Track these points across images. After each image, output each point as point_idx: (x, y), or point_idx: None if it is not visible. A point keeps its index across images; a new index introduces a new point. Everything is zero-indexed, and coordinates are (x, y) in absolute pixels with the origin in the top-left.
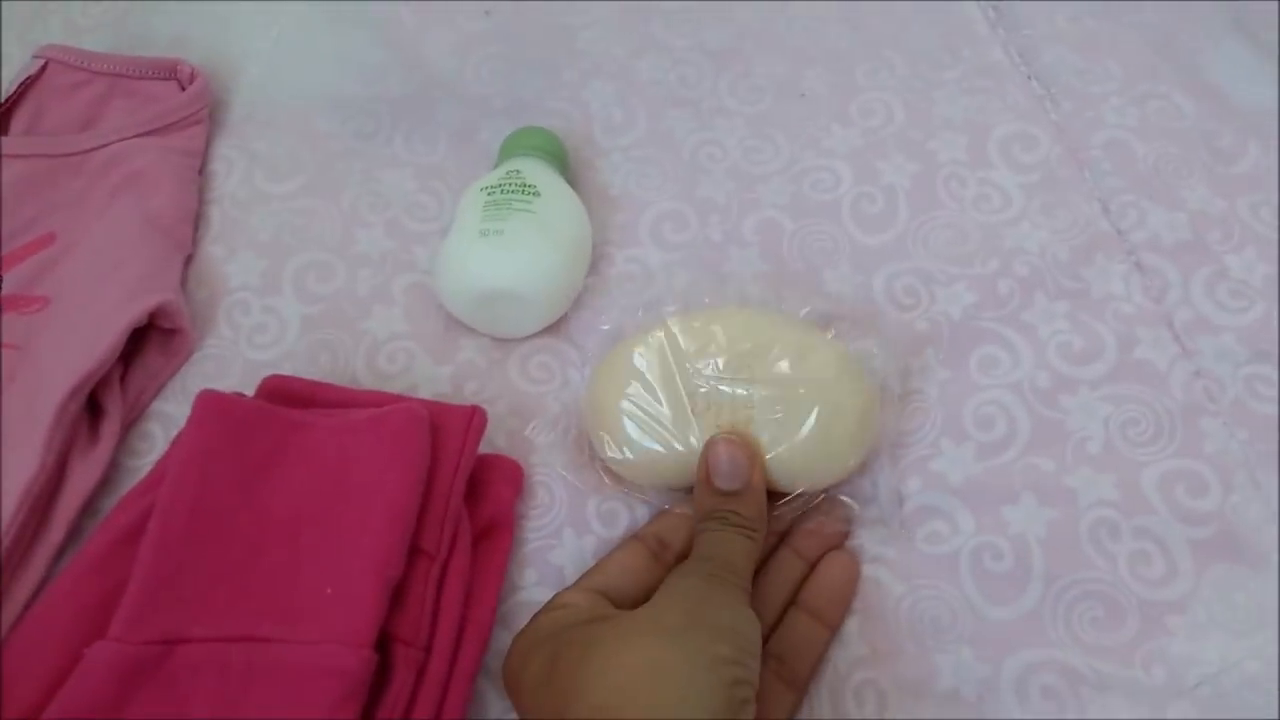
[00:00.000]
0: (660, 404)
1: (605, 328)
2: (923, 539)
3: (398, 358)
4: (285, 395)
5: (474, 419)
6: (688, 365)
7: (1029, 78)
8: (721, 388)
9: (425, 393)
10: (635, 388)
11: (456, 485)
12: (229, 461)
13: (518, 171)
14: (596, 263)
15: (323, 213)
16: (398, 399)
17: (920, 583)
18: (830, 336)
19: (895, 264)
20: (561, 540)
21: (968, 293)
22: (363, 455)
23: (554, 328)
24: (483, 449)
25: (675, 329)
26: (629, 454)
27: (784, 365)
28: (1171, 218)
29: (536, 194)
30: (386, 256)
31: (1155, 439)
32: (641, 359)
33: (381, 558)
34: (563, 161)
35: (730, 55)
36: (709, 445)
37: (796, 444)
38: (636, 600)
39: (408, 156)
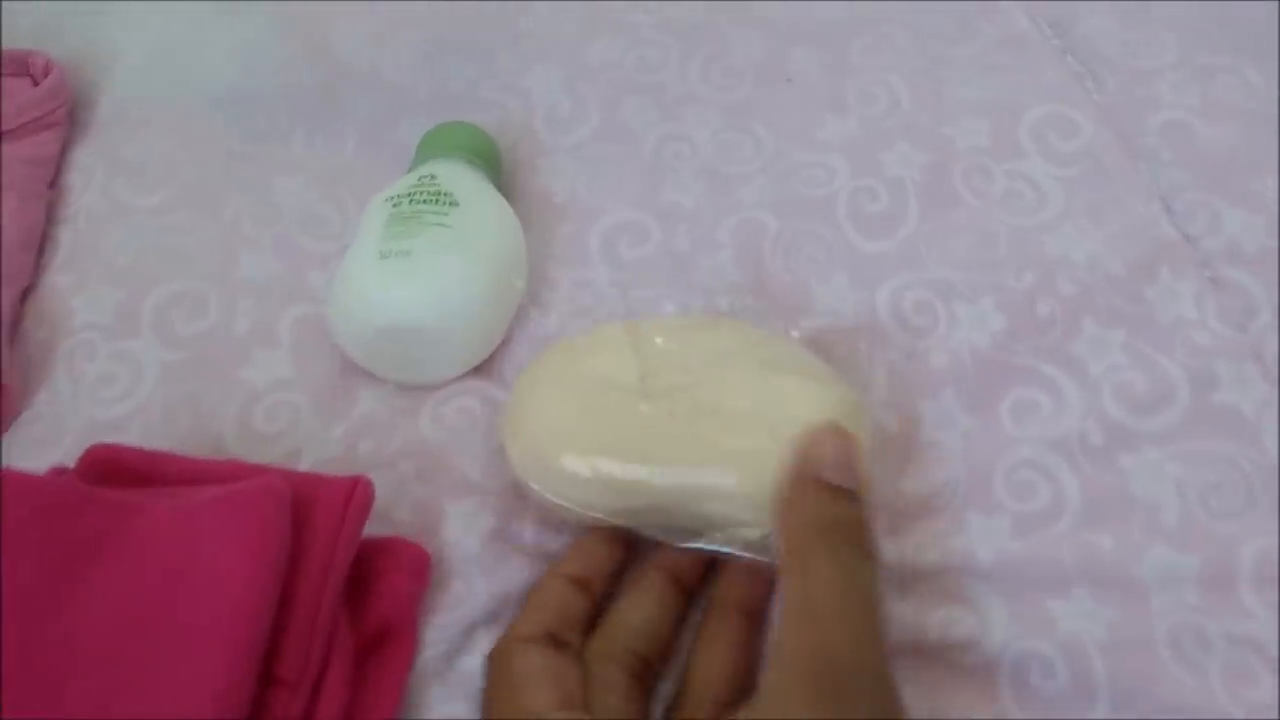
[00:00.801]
0: (604, 416)
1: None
2: (942, 639)
3: (279, 414)
4: (116, 469)
5: (355, 494)
6: (641, 373)
7: (1063, 52)
8: (676, 395)
9: (309, 458)
10: (573, 396)
11: (330, 585)
12: (31, 560)
13: (432, 177)
14: (536, 288)
15: (197, 230)
16: (257, 471)
17: (946, 712)
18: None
19: (904, 274)
20: (474, 642)
21: (997, 314)
22: (205, 548)
23: (480, 370)
24: (382, 528)
25: (625, 334)
26: (566, 480)
27: (757, 383)
28: (1252, 220)
29: (454, 204)
30: (274, 283)
31: (1248, 508)
32: (580, 363)
33: (218, 692)
34: (493, 164)
35: (701, 33)
36: (814, 434)
37: (761, 482)
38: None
39: (307, 159)
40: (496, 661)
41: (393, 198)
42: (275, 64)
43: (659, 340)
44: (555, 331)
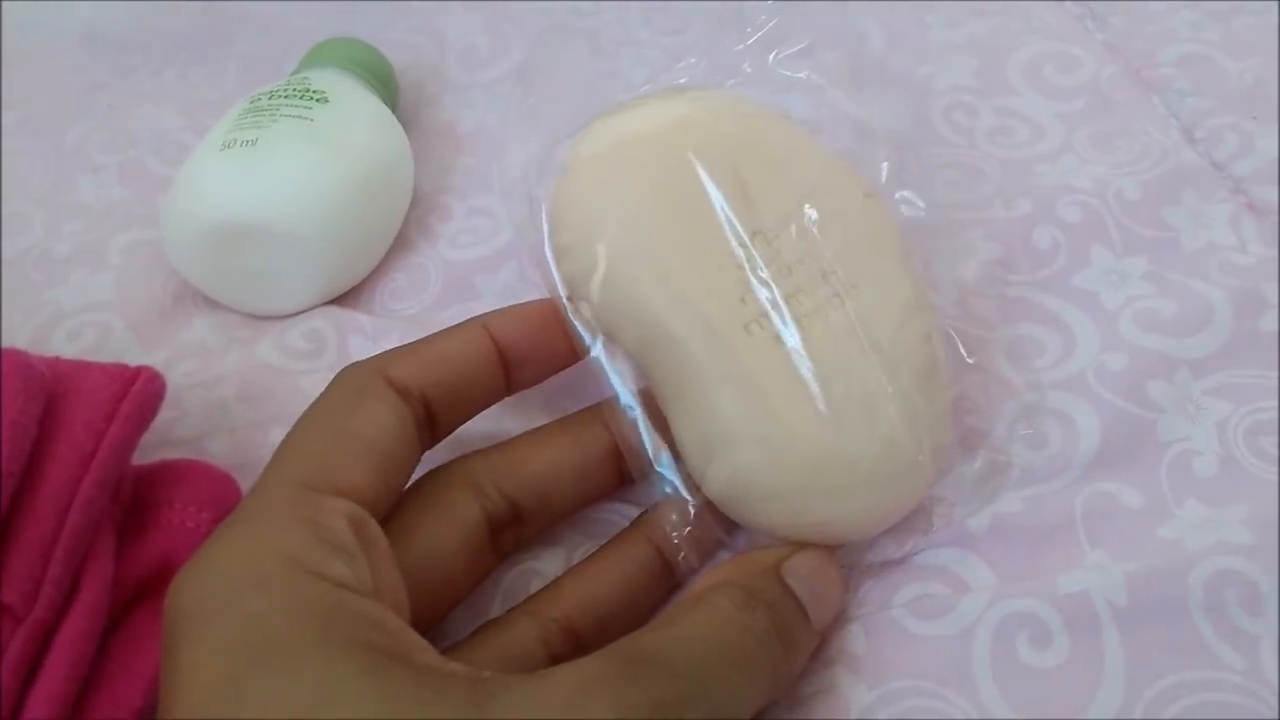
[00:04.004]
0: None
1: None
2: (910, 608)
3: (83, 334)
4: None
5: (134, 387)
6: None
7: None
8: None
9: None
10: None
11: (83, 494)
12: None
13: (305, 78)
14: (424, 215)
15: (34, 153)
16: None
17: (900, 685)
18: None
19: None
20: None
21: (988, 244)
22: None
23: (344, 299)
24: (188, 452)
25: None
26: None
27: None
28: None
29: (322, 100)
30: (112, 208)
31: None
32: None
33: None
34: (386, 82)
35: None
36: (809, 554)
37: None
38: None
39: (178, 90)
40: None
41: (254, 96)
42: (154, 7)
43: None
44: (442, 262)
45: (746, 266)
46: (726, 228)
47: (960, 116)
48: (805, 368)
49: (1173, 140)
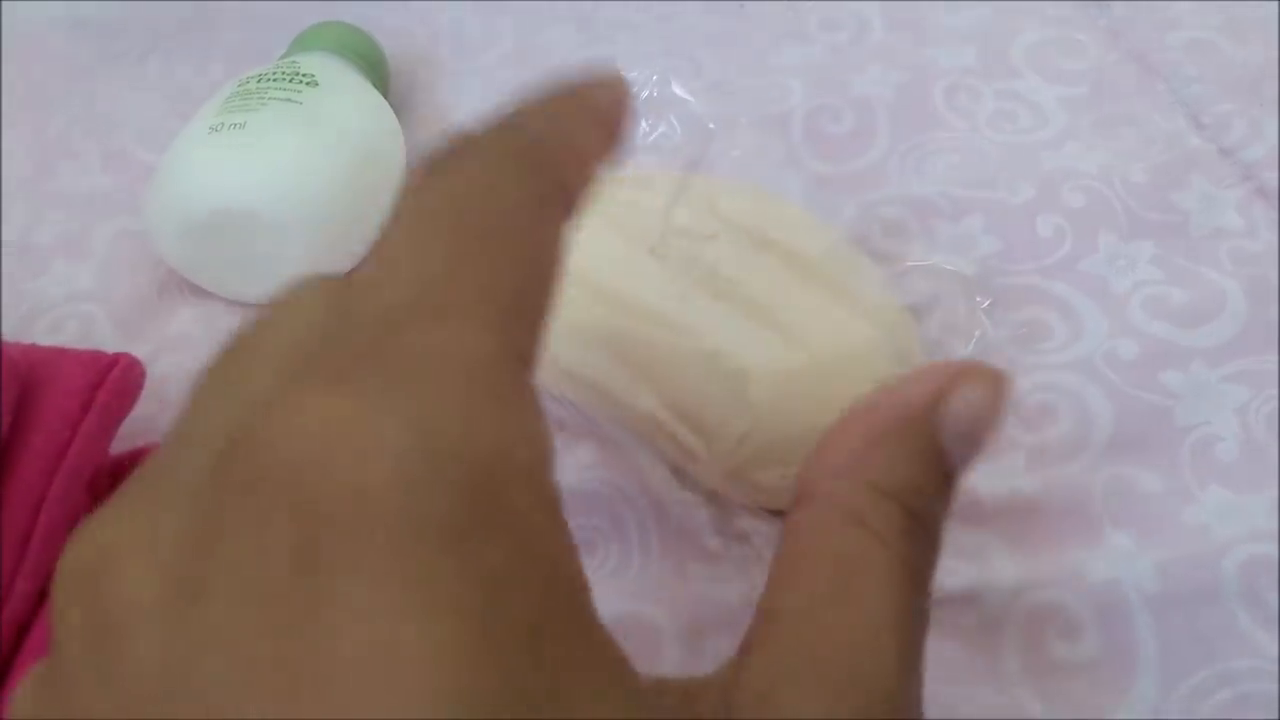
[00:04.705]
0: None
1: None
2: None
3: (66, 326)
4: None
5: (113, 373)
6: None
7: None
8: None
9: None
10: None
11: (57, 488)
12: None
13: (294, 62)
14: None
15: (15, 141)
16: None
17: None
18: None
19: (871, 192)
20: None
21: (988, 236)
22: None
23: None
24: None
25: (676, 184)
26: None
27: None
28: None
29: (312, 84)
30: (95, 197)
31: None
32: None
33: None
34: (376, 67)
35: None
36: (967, 371)
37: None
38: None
39: (163, 78)
40: None
41: (243, 79)
42: None
43: (719, 204)
44: None
45: (672, 254)
46: (655, 233)
47: (963, 98)
48: (758, 314)
49: (1179, 126)
